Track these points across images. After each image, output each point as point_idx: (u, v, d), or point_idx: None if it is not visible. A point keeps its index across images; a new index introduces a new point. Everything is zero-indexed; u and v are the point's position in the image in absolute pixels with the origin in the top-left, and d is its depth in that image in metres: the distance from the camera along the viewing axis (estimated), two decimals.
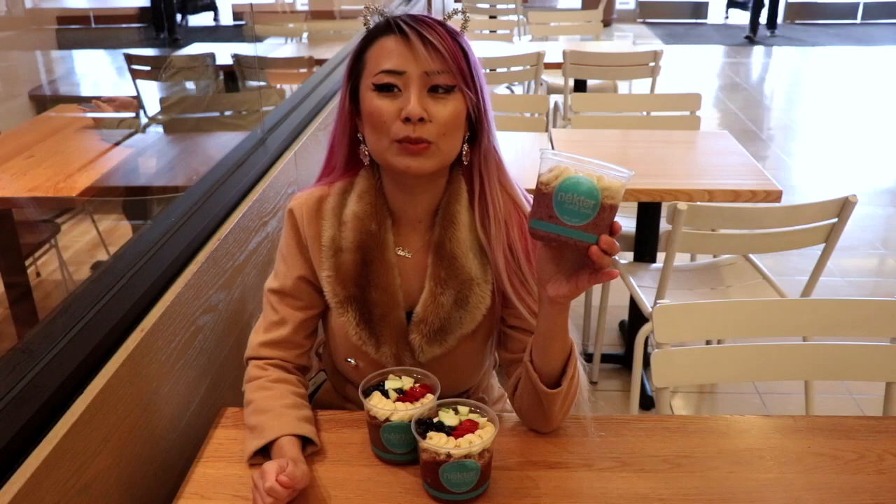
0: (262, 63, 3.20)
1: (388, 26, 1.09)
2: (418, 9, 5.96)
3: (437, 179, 1.16)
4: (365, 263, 1.16)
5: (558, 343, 1.07)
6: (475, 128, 1.14)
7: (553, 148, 2.44)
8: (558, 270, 1.00)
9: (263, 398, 1.16)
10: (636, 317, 2.59)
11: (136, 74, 3.27)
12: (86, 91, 3.25)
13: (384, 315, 1.17)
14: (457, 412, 1.07)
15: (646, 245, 2.55)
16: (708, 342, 2.07)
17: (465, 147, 1.14)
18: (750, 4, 9.10)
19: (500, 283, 1.17)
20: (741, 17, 9.01)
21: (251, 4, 3.79)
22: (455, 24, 1.13)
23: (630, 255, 2.62)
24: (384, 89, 1.07)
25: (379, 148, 1.10)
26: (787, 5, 10.44)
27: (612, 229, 0.93)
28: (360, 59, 1.12)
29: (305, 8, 5.32)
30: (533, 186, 0.96)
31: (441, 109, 1.07)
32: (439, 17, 1.11)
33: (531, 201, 1.01)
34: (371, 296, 1.17)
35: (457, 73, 1.07)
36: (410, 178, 1.13)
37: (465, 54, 1.09)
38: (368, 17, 1.13)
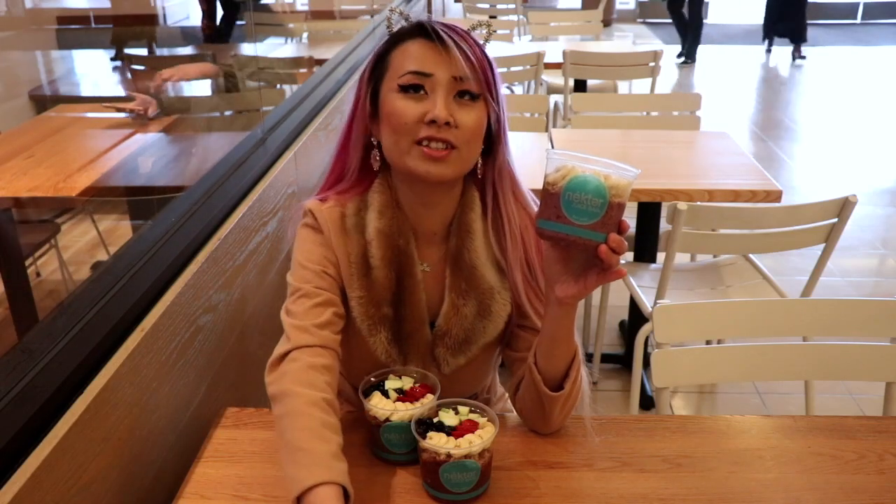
0: (262, 63, 3.20)
1: (420, 29, 1.07)
2: (417, 9, 5.96)
3: (452, 190, 1.15)
4: (398, 280, 1.14)
5: (563, 346, 1.07)
6: (492, 140, 1.13)
7: (553, 148, 2.44)
8: (566, 271, 1.00)
9: (303, 436, 0.97)
10: (636, 317, 2.59)
11: (135, 74, 3.26)
12: (86, 91, 3.25)
13: (412, 332, 1.16)
14: (457, 412, 1.07)
15: (646, 245, 2.56)
16: (708, 342, 2.07)
17: (479, 160, 1.13)
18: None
19: (517, 297, 1.16)
20: (740, 18, 9.00)
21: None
22: (478, 37, 1.11)
23: (630, 255, 2.62)
24: (409, 90, 1.06)
25: (398, 151, 1.08)
26: None
27: (621, 228, 0.93)
28: (383, 61, 1.10)
29: (305, 8, 5.32)
30: (535, 186, 0.96)
31: (466, 116, 1.06)
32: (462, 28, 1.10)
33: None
34: (402, 313, 1.15)
35: (483, 82, 1.07)
36: (428, 186, 1.10)
37: (491, 66, 1.09)
38: (392, 21, 1.11)
